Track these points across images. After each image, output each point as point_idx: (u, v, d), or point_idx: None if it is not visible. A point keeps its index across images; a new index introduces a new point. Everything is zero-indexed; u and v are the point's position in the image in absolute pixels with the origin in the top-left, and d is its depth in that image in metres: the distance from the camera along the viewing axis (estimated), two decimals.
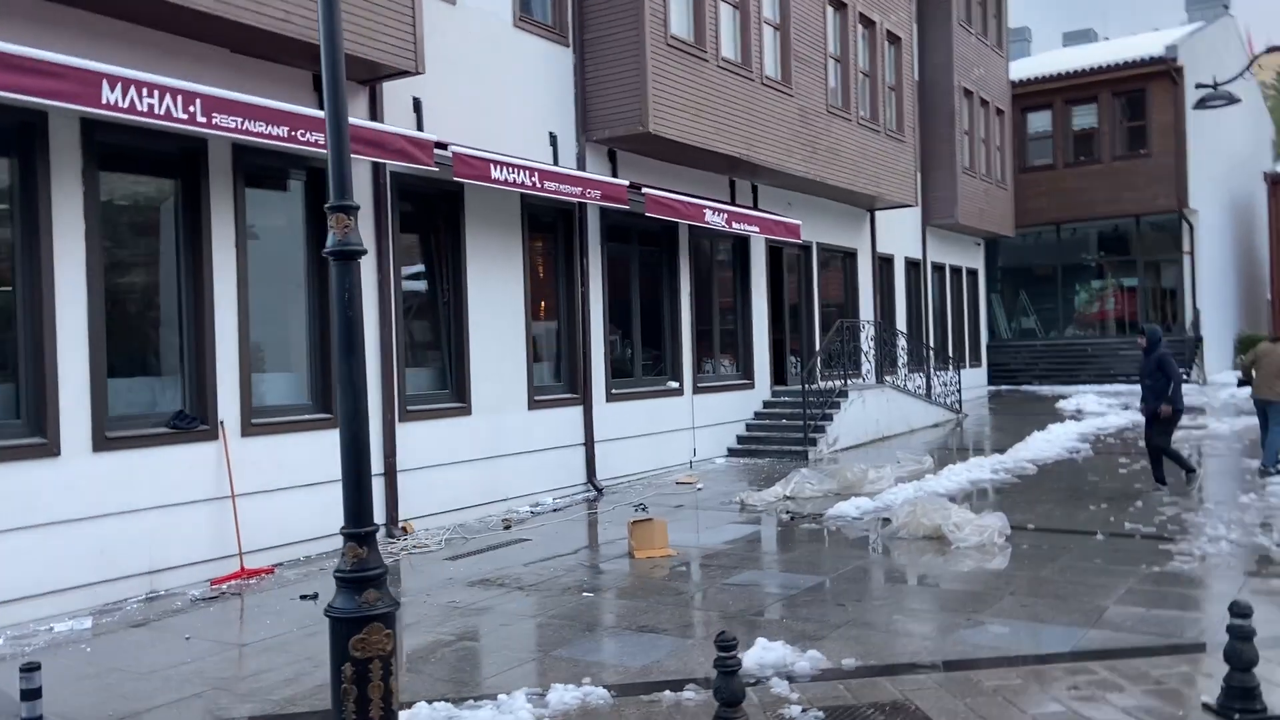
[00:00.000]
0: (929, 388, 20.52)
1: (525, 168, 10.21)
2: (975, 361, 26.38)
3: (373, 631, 3.94)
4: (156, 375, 8.01)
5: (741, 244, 15.67)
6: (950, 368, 23.04)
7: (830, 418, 15.13)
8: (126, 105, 6.69)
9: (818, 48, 15.98)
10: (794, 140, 15.16)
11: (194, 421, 7.95)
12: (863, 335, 17.83)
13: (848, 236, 19.08)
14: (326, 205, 3.93)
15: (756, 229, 14.38)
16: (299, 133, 7.81)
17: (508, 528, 9.99)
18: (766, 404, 15.92)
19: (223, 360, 8.14)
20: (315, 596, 7.34)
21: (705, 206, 13.10)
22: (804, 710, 4.67)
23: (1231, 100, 9.04)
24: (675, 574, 7.70)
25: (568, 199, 10.97)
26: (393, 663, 3.97)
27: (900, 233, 21.44)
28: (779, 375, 16.74)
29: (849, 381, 16.08)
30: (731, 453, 14.96)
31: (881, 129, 18.21)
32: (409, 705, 4.82)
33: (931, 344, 22.80)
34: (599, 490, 12.09)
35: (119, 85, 6.61)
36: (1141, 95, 28.11)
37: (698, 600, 6.89)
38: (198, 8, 7.22)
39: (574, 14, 12.17)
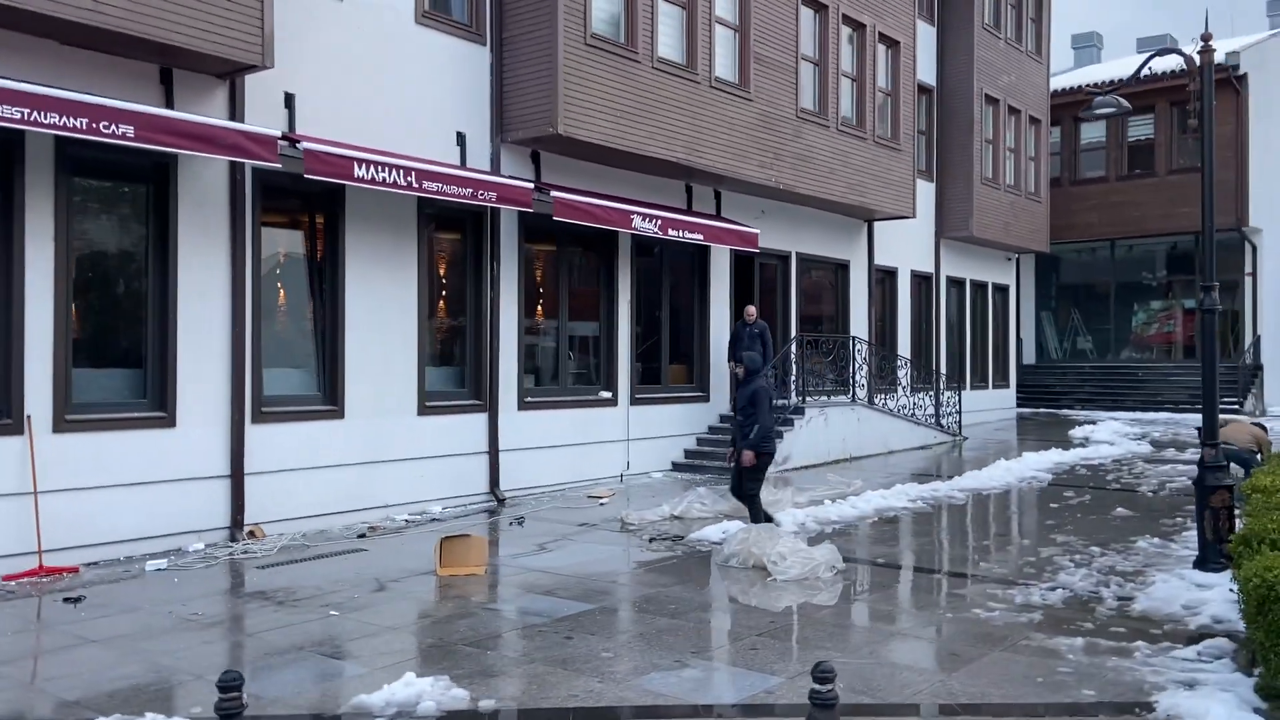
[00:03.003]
0: (937, 407, 19.49)
1: (399, 167, 9.91)
2: (1001, 382, 25.02)
3: None
4: None
5: (700, 252, 15.10)
6: (965, 387, 22.00)
7: (780, 435, 14.40)
8: None
9: (787, 50, 15.30)
10: (752, 146, 14.53)
11: None
12: (855, 351, 17.00)
13: (838, 247, 18.25)
14: None
15: (700, 236, 13.80)
16: (101, 124, 7.68)
17: (362, 536, 9.70)
18: (723, 418, 15.27)
19: (32, 353, 8.06)
20: (80, 599, 7.17)
21: (632, 212, 12.62)
22: None
23: (1121, 109, 8.08)
24: (450, 595, 7.27)
25: (458, 200, 10.63)
26: None
27: (906, 245, 20.46)
28: None
29: (807, 398, 15.31)
30: (676, 467, 14.41)
31: (869, 136, 17.36)
32: None
33: (942, 362, 21.70)
34: (500, 501, 11.71)
35: None
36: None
37: (432, 625, 6.45)
38: None
39: (492, 11, 11.86)
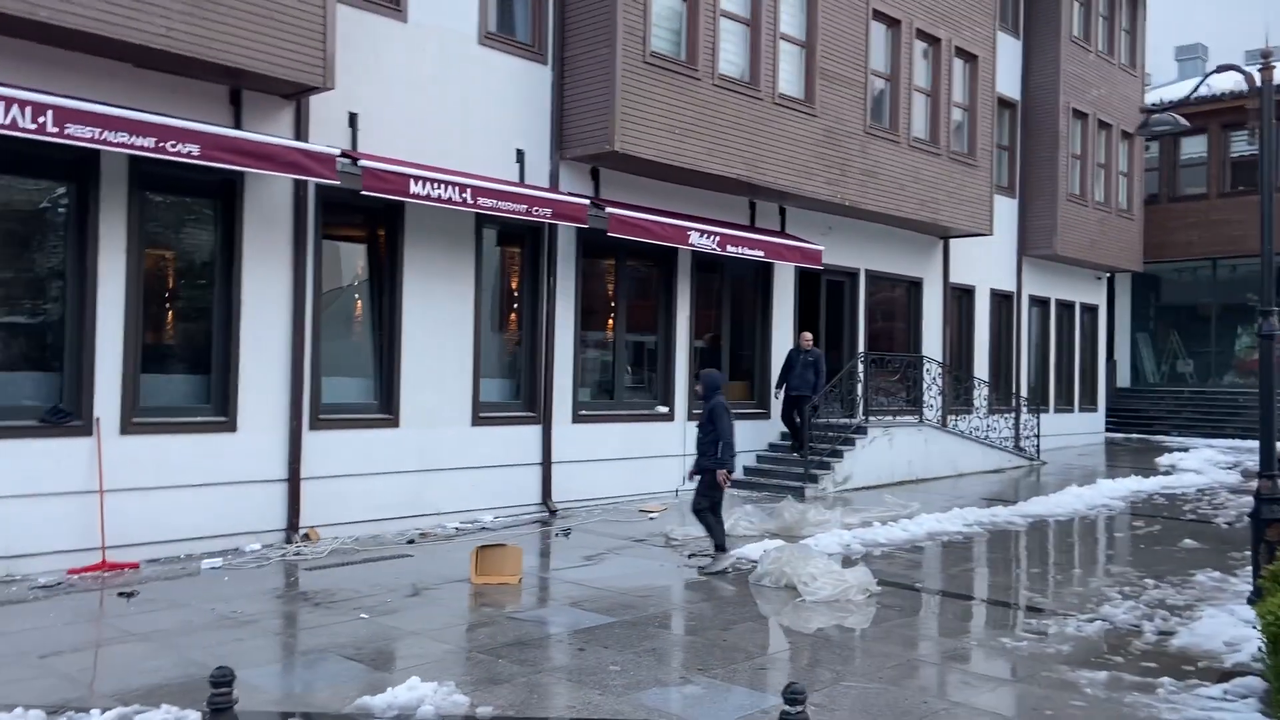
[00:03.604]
0: (1017, 430, 19.04)
1: (455, 184, 10.17)
2: (1089, 405, 24.14)
3: None
4: (40, 371, 8.48)
5: (763, 268, 15.04)
6: (1048, 410, 21.40)
7: (840, 455, 14.22)
8: None
9: (856, 65, 15.15)
10: (816, 162, 14.42)
11: (67, 417, 8.37)
12: (924, 370, 16.69)
13: (910, 265, 17.94)
14: None
15: (760, 253, 13.75)
16: (168, 143, 8.09)
17: (411, 542, 9.94)
18: (784, 435, 15.15)
19: (103, 359, 8.52)
20: (133, 594, 7.54)
21: (689, 228, 12.65)
22: None
23: (1178, 126, 7.74)
24: (478, 603, 7.40)
25: (514, 216, 10.83)
26: None
27: (985, 262, 19.96)
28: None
29: (871, 418, 15.06)
30: (734, 484, 14.28)
31: (943, 152, 17.03)
32: None
33: (1023, 384, 21.08)
34: (552, 512, 11.85)
35: None
36: None
37: (453, 631, 6.57)
38: (59, 24, 7.64)
39: (554, 31, 12.09)
